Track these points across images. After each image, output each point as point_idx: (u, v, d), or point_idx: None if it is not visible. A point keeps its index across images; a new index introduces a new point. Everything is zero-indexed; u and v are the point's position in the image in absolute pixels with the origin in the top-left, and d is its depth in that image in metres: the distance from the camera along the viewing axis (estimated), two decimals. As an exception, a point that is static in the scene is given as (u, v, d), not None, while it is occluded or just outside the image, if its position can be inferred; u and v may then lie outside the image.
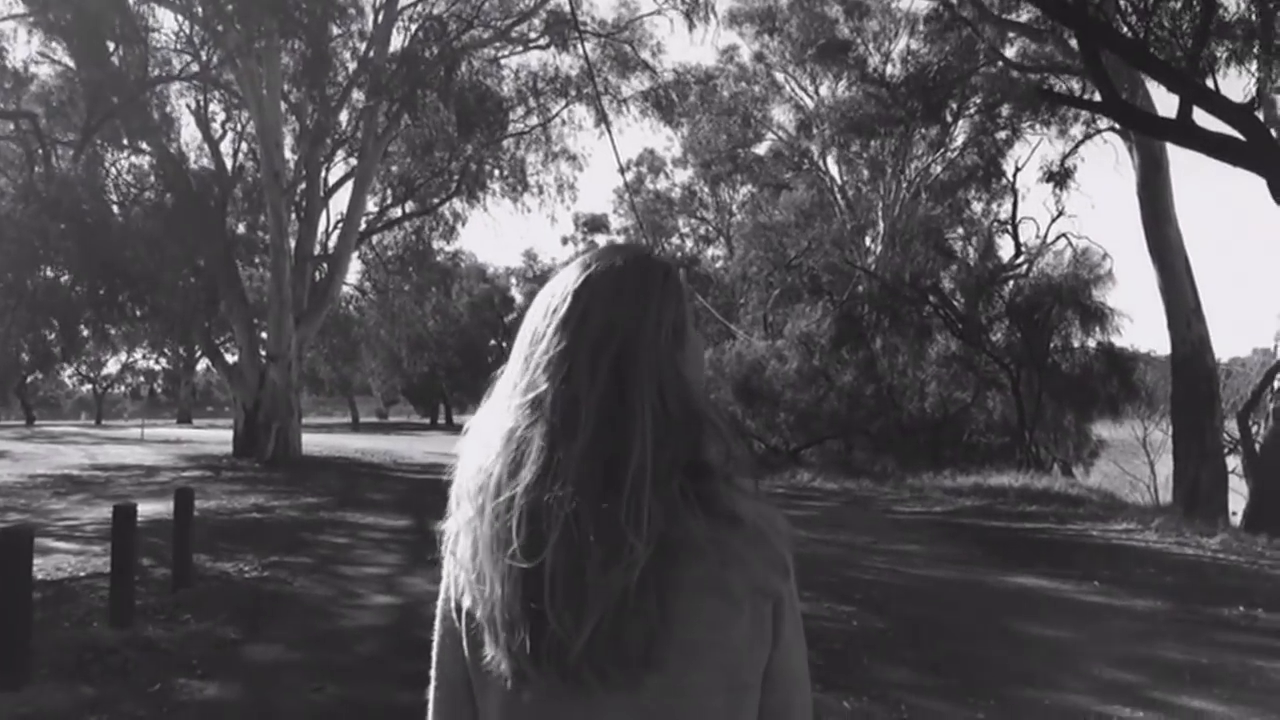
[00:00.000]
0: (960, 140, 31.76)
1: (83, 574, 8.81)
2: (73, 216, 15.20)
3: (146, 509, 13.35)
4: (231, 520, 13.23)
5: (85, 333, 18.15)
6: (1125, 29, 10.28)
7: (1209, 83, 10.17)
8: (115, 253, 16.14)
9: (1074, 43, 20.41)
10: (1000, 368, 22.95)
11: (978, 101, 29.84)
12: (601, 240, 59.42)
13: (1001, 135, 30.92)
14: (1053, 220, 31.65)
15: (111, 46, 18.46)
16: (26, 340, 17.88)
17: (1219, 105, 9.39)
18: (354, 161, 29.09)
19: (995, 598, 8.91)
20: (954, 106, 29.30)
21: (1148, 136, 9.71)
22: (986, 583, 9.64)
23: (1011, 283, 25.00)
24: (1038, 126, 29.93)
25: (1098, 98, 16.00)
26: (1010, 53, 28.24)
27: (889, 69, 31.23)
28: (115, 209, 22.63)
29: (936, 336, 24.75)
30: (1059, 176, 22.36)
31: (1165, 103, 24.01)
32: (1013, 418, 22.90)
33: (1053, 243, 26.04)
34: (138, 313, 20.03)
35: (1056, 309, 21.85)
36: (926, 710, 5.51)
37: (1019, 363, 22.19)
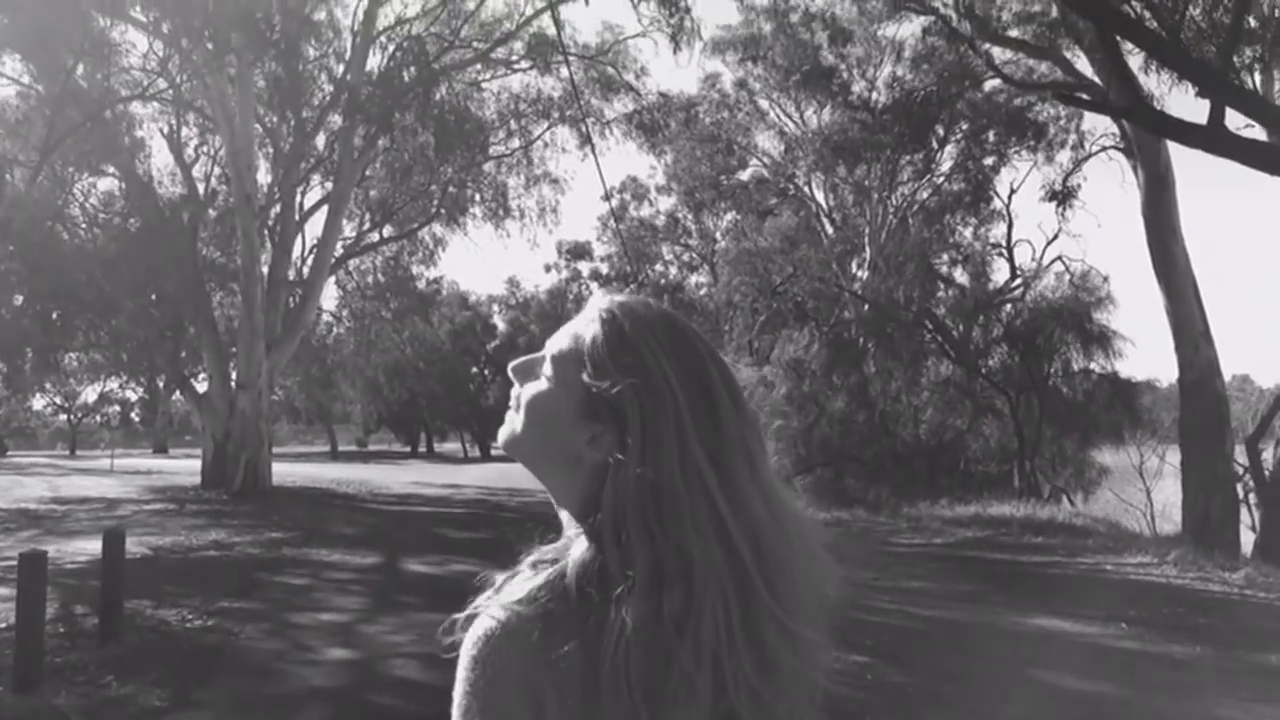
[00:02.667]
0: (947, 166, 31.45)
1: (2, 624, 7.88)
2: (23, 238, 14.35)
3: (96, 547, 12.46)
4: (186, 559, 12.31)
5: (30, 362, 17.10)
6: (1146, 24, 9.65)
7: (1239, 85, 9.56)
8: (70, 276, 15.27)
9: (1075, 57, 19.96)
10: (998, 393, 22.24)
11: (964, 127, 29.48)
12: (585, 268, 58.94)
13: (989, 160, 30.65)
14: (1049, 242, 31.18)
15: (73, 63, 17.59)
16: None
17: (1259, 109, 8.73)
18: (330, 185, 28.33)
19: (1018, 643, 8.10)
20: (940, 132, 28.95)
21: (1180, 144, 9.04)
22: (1004, 625, 8.84)
23: (1009, 306, 24.34)
24: (1024, 152, 29.69)
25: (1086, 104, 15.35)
26: (998, 82, 27.87)
27: (874, 95, 30.86)
28: (78, 231, 21.74)
29: (931, 361, 24.05)
30: (1061, 195, 21.77)
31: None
32: (1010, 444, 22.17)
33: (1049, 265, 25.45)
34: (93, 339, 19.08)
35: (1057, 332, 21.16)
36: (965, 790, 4.68)
37: (1018, 388, 21.48)
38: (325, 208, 27.65)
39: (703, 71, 35.51)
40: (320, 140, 28.38)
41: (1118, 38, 8.51)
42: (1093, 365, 21.65)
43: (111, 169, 24.23)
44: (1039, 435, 21.56)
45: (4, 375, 17.59)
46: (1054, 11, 24.27)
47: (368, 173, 29.17)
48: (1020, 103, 28.22)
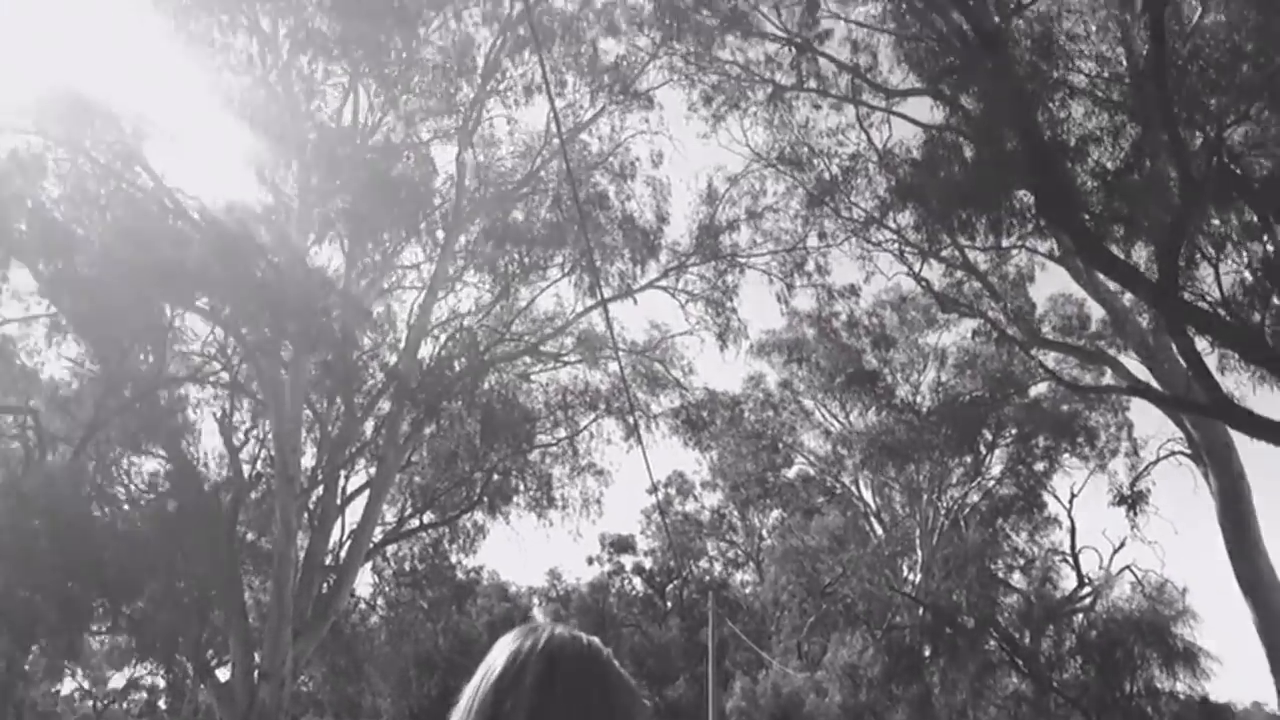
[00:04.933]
0: (998, 470, 31.10)
1: None
2: (52, 514, 14.10)
3: None
4: None
5: (39, 646, 16.39)
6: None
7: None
8: (95, 555, 14.86)
9: (1132, 362, 19.81)
10: (1075, 710, 20.51)
11: (1013, 431, 29.27)
12: (628, 562, 57.73)
13: (1040, 466, 30.27)
14: (1116, 550, 29.80)
15: (130, 344, 18.02)
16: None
17: None
18: (374, 470, 28.31)
19: None
20: (988, 436, 28.74)
21: (1275, 445, 8.56)
22: None
23: (1080, 617, 22.96)
24: (1076, 458, 29.24)
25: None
26: (1043, 388, 27.97)
27: (918, 399, 31.10)
28: (116, 510, 21.59)
29: (998, 672, 22.46)
30: (1130, 501, 20.93)
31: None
32: (1093, 770, 20.21)
33: (1119, 573, 24.29)
34: (113, 622, 18.41)
35: (1137, 648, 19.69)
36: None
37: (1098, 707, 19.79)
38: (367, 492, 27.48)
39: (748, 370, 36.05)
40: (369, 426, 28.66)
41: (1193, 336, 8.17)
42: (1178, 685, 20.01)
43: (158, 449, 24.39)
44: (1125, 762, 19.68)
45: (8, 659, 16.79)
46: (1092, 322, 24.73)
47: (413, 459, 29.22)
48: (1068, 409, 28.07)
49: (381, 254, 25.06)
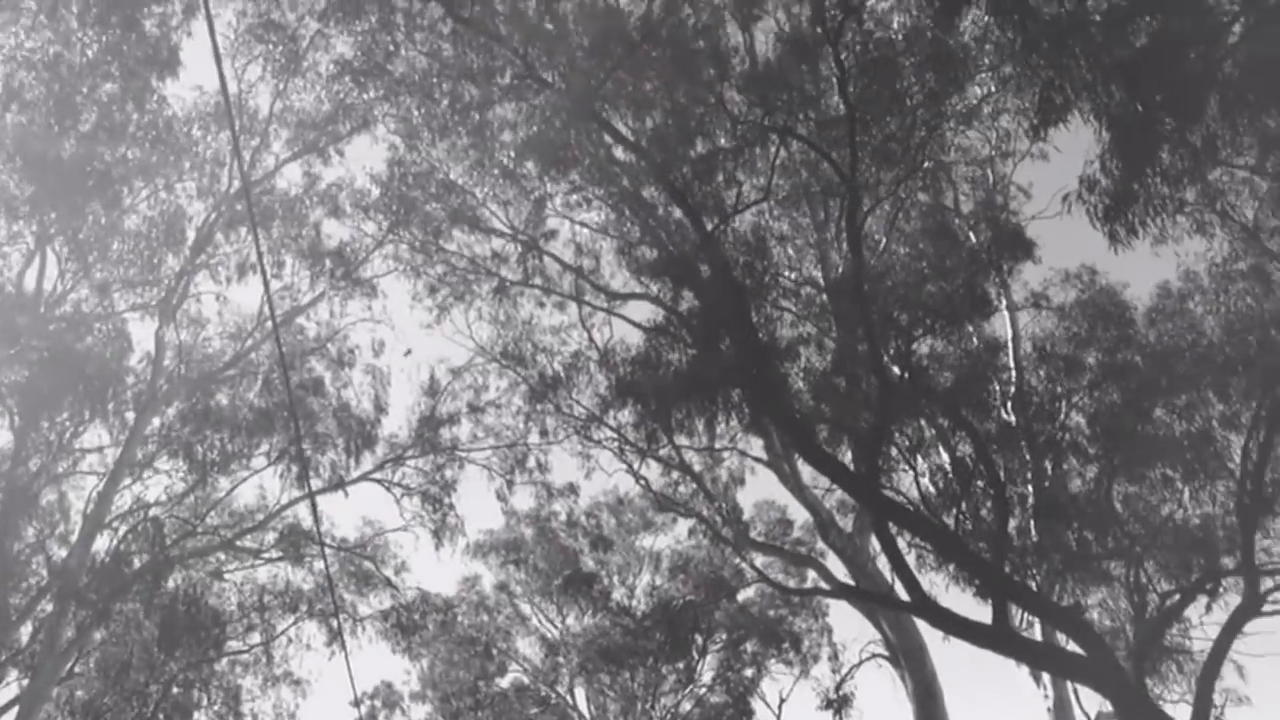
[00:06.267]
0: (709, 676, 31.24)
1: None
2: None
3: None
4: None
5: None
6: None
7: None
8: None
9: (835, 566, 20.57)
10: None
11: (723, 636, 29.71)
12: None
13: (749, 672, 30.64)
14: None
15: None
16: None
17: (1044, 608, 8.75)
18: (27, 682, 24.72)
19: None
20: (700, 641, 29.01)
21: (969, 642, 8.91)
22: None
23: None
24: (782, 664, 29.86)
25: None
26: (750, 592, 28.80)
27: (634, 603, 31.16)
28: None
29: None
30: (836, 705, 21.36)
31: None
32: None
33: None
34: None
35: None
36: None
37: None
38: (16, 709, 23.88)
39: (464, 571, 34.92)
40: (25, 630, 25.21)
41: (895, 540, 8.48)
42: None
43: None
44: None
45: None
46: (795, 528, 25.95)
47: (76, 669, 25.80)
48: (774, 614, 28.86)
49: (58, 434, 22.65)
